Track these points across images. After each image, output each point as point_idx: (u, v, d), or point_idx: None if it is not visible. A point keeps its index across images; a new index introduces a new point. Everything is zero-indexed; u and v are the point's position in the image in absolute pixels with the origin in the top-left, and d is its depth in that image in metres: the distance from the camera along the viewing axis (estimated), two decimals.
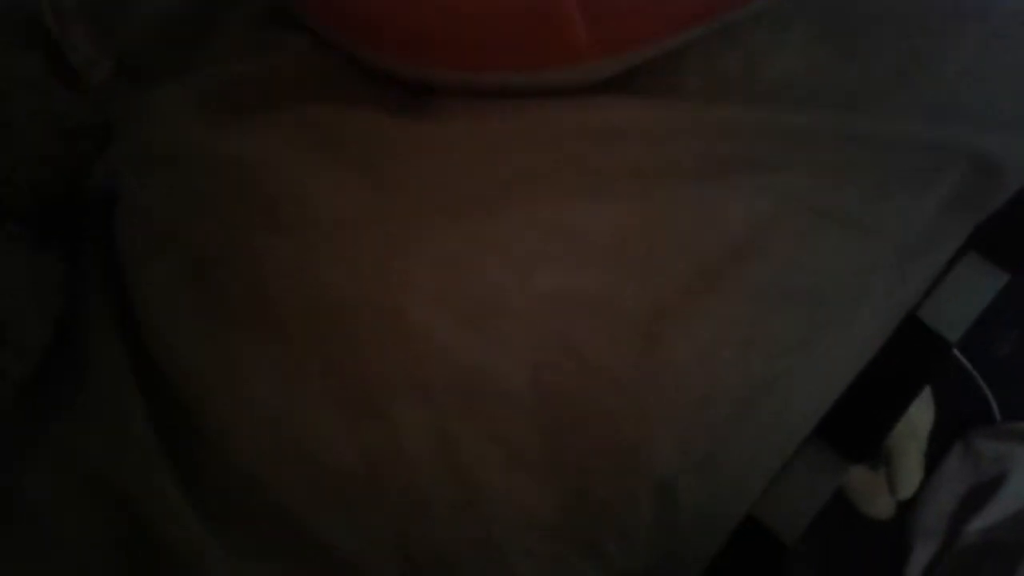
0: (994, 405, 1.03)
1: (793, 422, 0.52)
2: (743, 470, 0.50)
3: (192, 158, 0.47)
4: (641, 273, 0.45)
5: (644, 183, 0.45)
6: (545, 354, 0.44)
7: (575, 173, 0.45)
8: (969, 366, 1.03)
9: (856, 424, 0.58)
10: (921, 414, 0.99)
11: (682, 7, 0.43)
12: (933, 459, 1.02)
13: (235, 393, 0.43)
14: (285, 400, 0.43)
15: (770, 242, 0.46)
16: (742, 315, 0.46)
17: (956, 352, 1.03)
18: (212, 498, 0.44)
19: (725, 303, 0.45)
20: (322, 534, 0.42)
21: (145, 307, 0.45)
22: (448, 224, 0.44)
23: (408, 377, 0.43)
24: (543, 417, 0.44)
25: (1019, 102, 0.49)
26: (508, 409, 0.44)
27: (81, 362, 0.46)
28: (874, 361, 0.54)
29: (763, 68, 0.47)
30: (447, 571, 0.43)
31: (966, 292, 0.61)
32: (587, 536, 0.44)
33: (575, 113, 0.46)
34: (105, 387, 0.45)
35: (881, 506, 0.99)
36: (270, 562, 0.42)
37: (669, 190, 0.45)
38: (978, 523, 0.97)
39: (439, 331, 0.43)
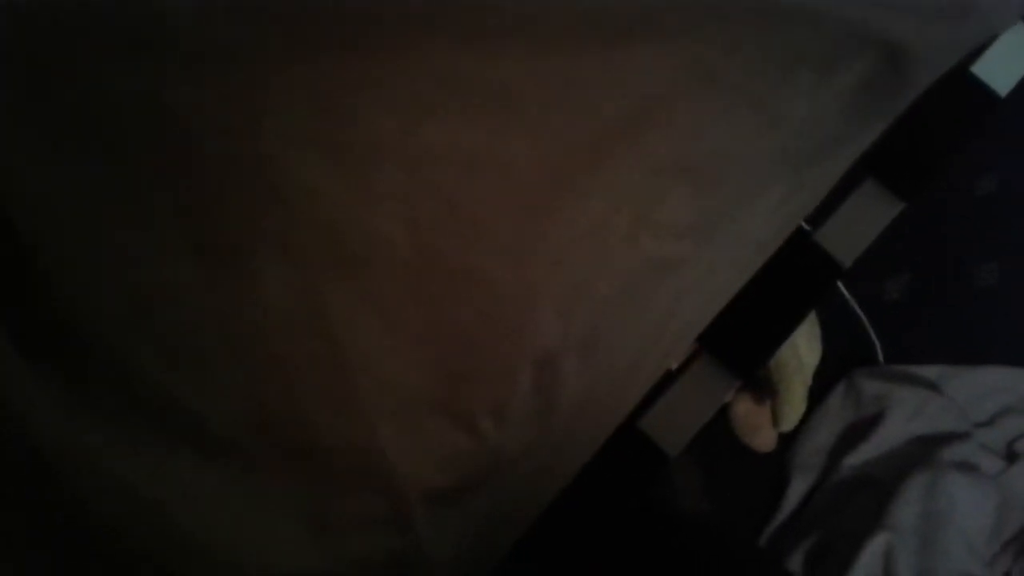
0: (879, 348, 1.07)
1: (686, 320, 0.51)
2: (628, 362, 0.48)
3: None
4: (534, 133, 0.42)
5: (545, 38, 0.42)
6: (425, 212, 0.41)
7: (473, 20, 0.41)
8: (858, 309, 1.05)
9: (746, 339, 0.57)
10: (809, 350, 1.01)
11: None
12: (817, 396, 1.04)
13: (77, 226, 0.39)
14: (133, 241, 0.39)
15: (673, 111, 0.44)
16: (638, 188, 0.44)
17: (847, 295, 1.05)
18: (58, 365, 0.39)
19: (621, 173, 0.43)
20: (166, 389, 0.38)
21: None
22: (329, 60, 0.40)
23: (273, 226, 0.39)
24: (422, 281, 0.41)
25: None
26: (384, 270, 0.41)
27: None
28: (767, 275, 0.54)
29: None
30: (304, 430, 0.40)
31: (862, 217, 0.61)
32: (460, 407, 0.42)
33: None
34: None
35: (764, 439, 1.01)
36: (105, 421, 0.38)
37: (571, 48, 0.42)
38: (854, 458, 1.00)
39: (307, 176, 0.39)
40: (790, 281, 0.57)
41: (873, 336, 1.06)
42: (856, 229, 0.61)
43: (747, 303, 0.54)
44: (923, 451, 0.98)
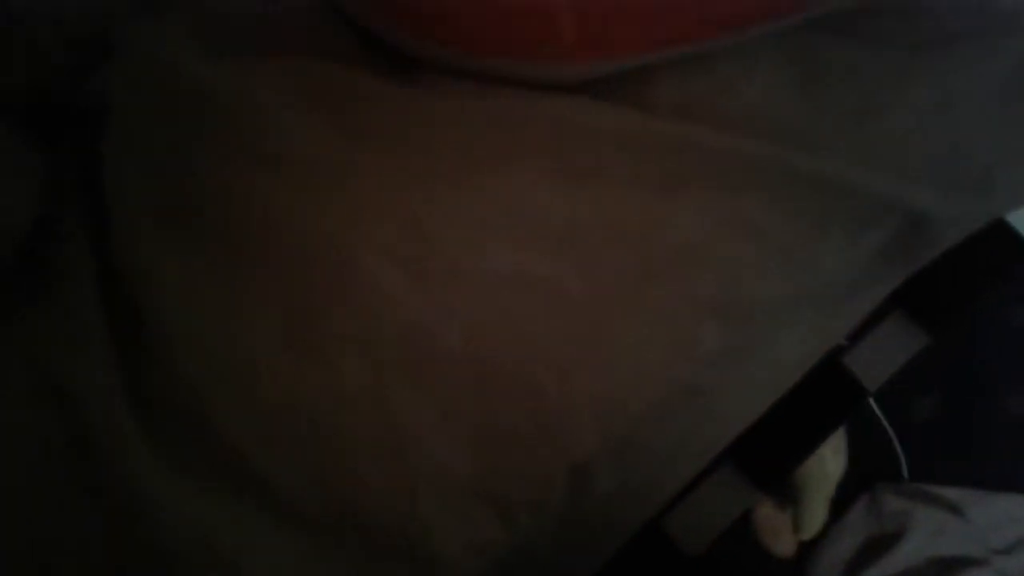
0: (904, 465, 1.08)
1: (711, 436, 0.54)
2: (657, 471, 0.52)
3: (180, 85, 0.49)
4: (588, 262, 0.47)
5: (606, 181, 0.48)
6: (484, 321, 0.46)
7: (543, 162, 0.47)
8: (887, 424, 1.08)
9: (770, 453, 0.61)
10: (834, 461, 1.03)
11: (670, 28, 0.47)
12: (839, 507, 1.06)
13: (186, 301, 0.45)
14: (235, 325, 0.45)
15: (713, 256, 0.49)
16: (675, 320, 0.49)
17: (876, 410, 1.07)
18: (159, 418, 0.45)
19: (662, 305, 0.48)
20: (258, 465, 0.44)
21: (114, 207, 0.47)
22: (416, 186, 0.47)
23: (354, 325, 0.45)
24: (476, 380, 0.46)
25: (959, 166, 0.52)
26: (444, 368, 0.46)
27: (51, 270, 0.48)
28: (795, 395, 0.57)
29: (730, 96, 0.50)
30: (356, 495, 0.45)
31: (889, 347, 0.64)
32: (501, 501, 0.47)
33: (553, 107, 0.49)
34: (70, 295, 0.47)
35: (784, 544, 1.03)
36: (190, 471, 0.44)
37: (628, 192, 0.48)
38: (872, 573, 1.01)
39: (388, 285, 0.45)
40: (817, 400, 0.61)
41: (899, 452, 1.08)
42: (883, 357, 0.64)
43: (774, 418, 0.57)
44: (940, 574, 0.99)
